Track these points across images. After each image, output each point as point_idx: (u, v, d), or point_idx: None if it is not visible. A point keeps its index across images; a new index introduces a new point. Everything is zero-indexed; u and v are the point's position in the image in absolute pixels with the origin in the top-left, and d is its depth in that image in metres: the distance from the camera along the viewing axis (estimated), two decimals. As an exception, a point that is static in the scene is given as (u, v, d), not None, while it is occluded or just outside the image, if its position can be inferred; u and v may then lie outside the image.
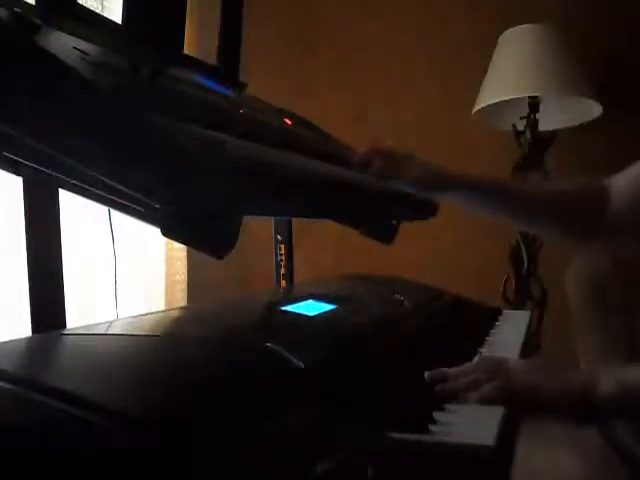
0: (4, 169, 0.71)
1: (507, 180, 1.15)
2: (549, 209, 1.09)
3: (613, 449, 1.02)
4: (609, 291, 1.03)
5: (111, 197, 0.62)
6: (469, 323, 1.09)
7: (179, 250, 2.34)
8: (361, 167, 0.99)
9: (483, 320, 1.11)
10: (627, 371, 0.74)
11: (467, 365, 0.73)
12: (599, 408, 0.71)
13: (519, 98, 1.92)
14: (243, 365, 0.60)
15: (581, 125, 1.99)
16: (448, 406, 0.64)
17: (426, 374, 0.70)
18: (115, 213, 0.74)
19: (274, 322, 0.84)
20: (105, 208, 0.80)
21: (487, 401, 0.66)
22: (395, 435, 0.53)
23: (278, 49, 2.49)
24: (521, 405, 0.69)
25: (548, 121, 2.01)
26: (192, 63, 1.02)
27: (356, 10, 2.41)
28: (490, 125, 2.11)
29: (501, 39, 1.98)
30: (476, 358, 0.76)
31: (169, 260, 2.35)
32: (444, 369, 0.71)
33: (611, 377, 0.71)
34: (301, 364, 0.61)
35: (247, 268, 2.23)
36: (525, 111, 1.97)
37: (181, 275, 2.37)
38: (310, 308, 0.87)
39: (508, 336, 1.00)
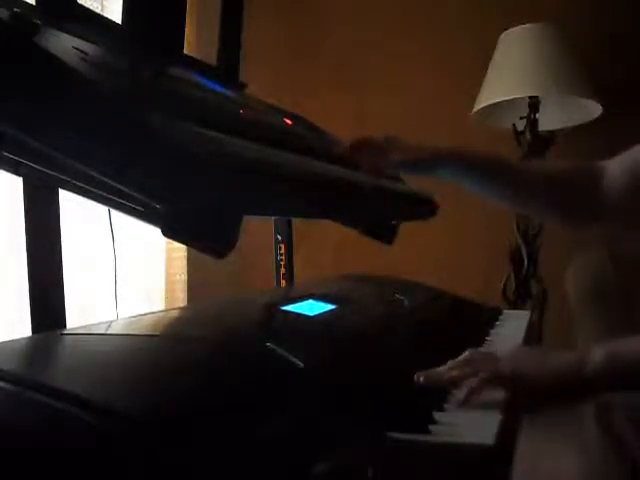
0: (4, 169, 0.71)
1: (503, 157, 1.12)
2: (545, 187, 1.07)
3: (612, 445, 1.02)
4: (608, 290, 1.03)
5: (111, 197, 0.62)
6: (469, 323, 1.09)
7: (179, 250, 2.34)
8: (346, 159, 0.98)
9: (483, 320, 1.11)
10: (616, 343, 0.74)
11: (454, 361, 0.74)
12: (590, 381, 0.71)
13: (519, 98, 1.92)
14: (243, 365, 0.60)
15: (581, 125, 1.99)
16: (448, 406, 0.64)
17: (415, 376, 0.71)
18: (115, 213, 0.74)
19: (274, 322, 0.84)
20: (105, 208, 0.80)
21: (475, 392, 0.66)
22: (395, 435, 0.53)
23: (278, 49, 2.49)
24: (512, 390, 0.69)
25: (548, 121, 2.01)
26: (192, 63, 1.02)
27: (356, 10, 2.41)
28: (490, 125, 2.11)
29: (501, 39, 1.98)
30: (465, 353, 0.76)
31: (169, 260, 2.35)
32: (432, 370, 0.72)
33: (601, 350, 0.71)
34: (301, 364, 0.61)
35: (247, 268, 2.23)
36: (525, 111, 1.97)
37: (181, 275, 2.37)
38: (310, 308, 0.87)
39: (508, 336, 1.00)
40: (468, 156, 1.04)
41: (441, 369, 0.72)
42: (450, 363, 0.73)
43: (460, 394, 0.67)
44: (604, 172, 1.01)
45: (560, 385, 0.72)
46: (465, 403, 0.66)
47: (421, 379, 0.70)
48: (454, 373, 0.71)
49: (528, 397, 0.71)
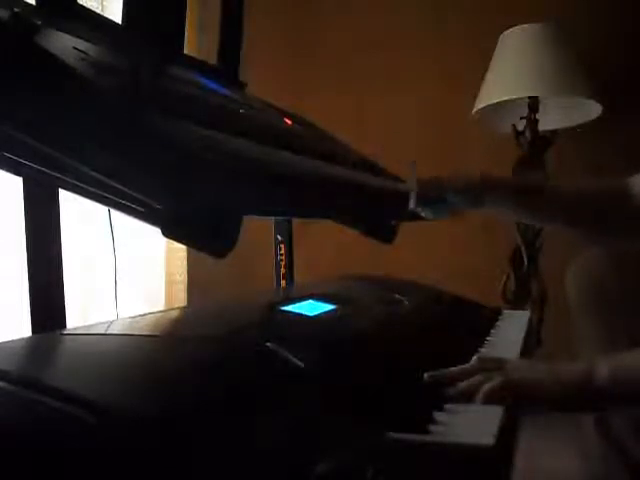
0: (4, 169, 0.71)
1: (541, 182, 1.16)
2: (583, 210, 1.08)
3: (612, 448, 1.02)
4: (609, 290, 1.03)
5: (111, 197, 0.62)
6: (469, 323, 1.08)
7: (179, 250, 2.34)
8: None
9: (483, 320, 1.11)
10: (621, 359, 0.75)
11: (466, 366, 0.74)
12: (595, 397, 0.72)
13: (519, 98, 1.92)
14: (243, 365, 0.60)
15: (581, 125, 1.99)
16: (448, 406, 0.64)
17: (426, 375, 0.71)
18: (115, 213, 0.74)
19: (274, 322, 0.84)
20: (105, 208, 0.80)
21: (491, 399, 0.66)
22: (395, 435, 0.53)
23: (278, 49, 2.49)
24: (522, 398, 0.69)
25: (548, 121, 2.02)
26: (192, 63, 1.02)
27: (356, 10, 2.41)
28: (490, 125, 2.11)
29: (501, 39, 1.98)
30: (474, 358, 0.76)
31: (169, 260, 2.35)
32: (444, 370, 0.72)
33: (605, 367, 0.72)
34: (301, 364, 0.61)
35: (247, 268, 2.23)
36: (525, 111, 1.97)
37: (181, 275, 2.37)
38: (310, 308, 0.87)
39: (508, 336, 1.00)
40: (515, 186, 1.08)
41: (453, 373, 0.72)
42: (459, 369, 0.73)
43: (476, 399, 0.67)
44: (631, 189, 1.01)
45: (569, 397, 0.72)
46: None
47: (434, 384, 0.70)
48: (473, 381, 0.70)
49: (537, 406, 0.72)
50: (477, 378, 0.70)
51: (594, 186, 1.09)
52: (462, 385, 0.69)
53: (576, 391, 0.72)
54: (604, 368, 0.72)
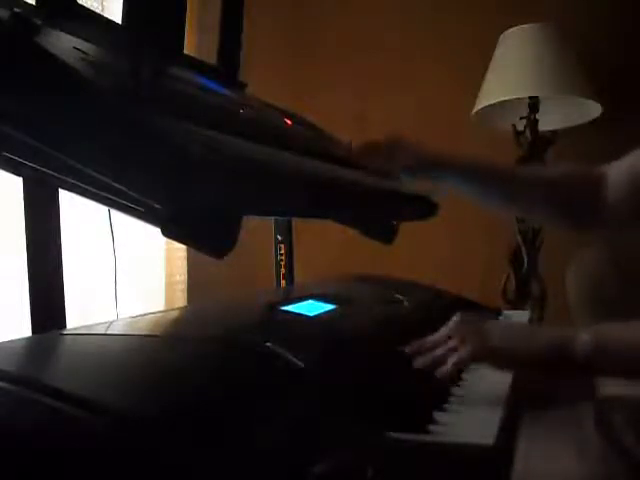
0: (4, 169, 0.71)
1: (502, 164, 1.14)
2: (545, 194, 1.08)
3: (613, 449, 1.02)
4: (608, 290, 1.03)
5: (111, 197, 0.62)
6: (469, 323, 1.08)
7: (179, 250, 2.34)
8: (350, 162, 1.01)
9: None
10: (604, 327, 0.75)
11: (443, 330, 0.75)
12: (574, 362, 0.72)
13: (519, 98, 1.92)
14: (243, 365, 0.60)
15: (581, 125, 1.99)
16: (448, 406, 0.64)
17: (406, 349, 0.73)
18: (115, 213, 0.74)
19: (274, 322, 0.84)
20: (105, 208, 0.80)
21: (462, 364, 0.69)
22: (395, 435, 0.53)
23: (278, 49, 2.49)
24: (497, 364, 0.70)
25: (548, 121, 2.02)
26: (192, 63, 1.02)
27: (356, 10, 2.41)
28: (490, 125, 2.11)
29: (501, 39, 1.98)
30: (453, 318, 0.77)
31: (169, 260, 2.35)
32: (421, 341, 0.75)
33: (588, 334, 0.72)
34: (301, 364, 0.61)
35: (247, 268, 2.23)
36: (525, 111, 1.97)
37: (181, 275, 2.37)
38: (310, 308, 0.87)
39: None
40: (468, 162, 1.07)
41: (430, 341, 0.74)
42: (434, 338, 0.75)
43: (444, 368, 0.69)
44: (604, 178, 1.02)
45: (545, 359, 0.72)
46: (450, 376, 0.69)
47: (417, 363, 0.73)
48: (439, 352, 0.72)
49: (513, 369, 0.73)
50: (450, 344, 0.71)
51: (566, 173, 1.09)
52: (431, 356, 0.71)
53: (551, 353, 0.72)
54: (586, 335, 0.72)
